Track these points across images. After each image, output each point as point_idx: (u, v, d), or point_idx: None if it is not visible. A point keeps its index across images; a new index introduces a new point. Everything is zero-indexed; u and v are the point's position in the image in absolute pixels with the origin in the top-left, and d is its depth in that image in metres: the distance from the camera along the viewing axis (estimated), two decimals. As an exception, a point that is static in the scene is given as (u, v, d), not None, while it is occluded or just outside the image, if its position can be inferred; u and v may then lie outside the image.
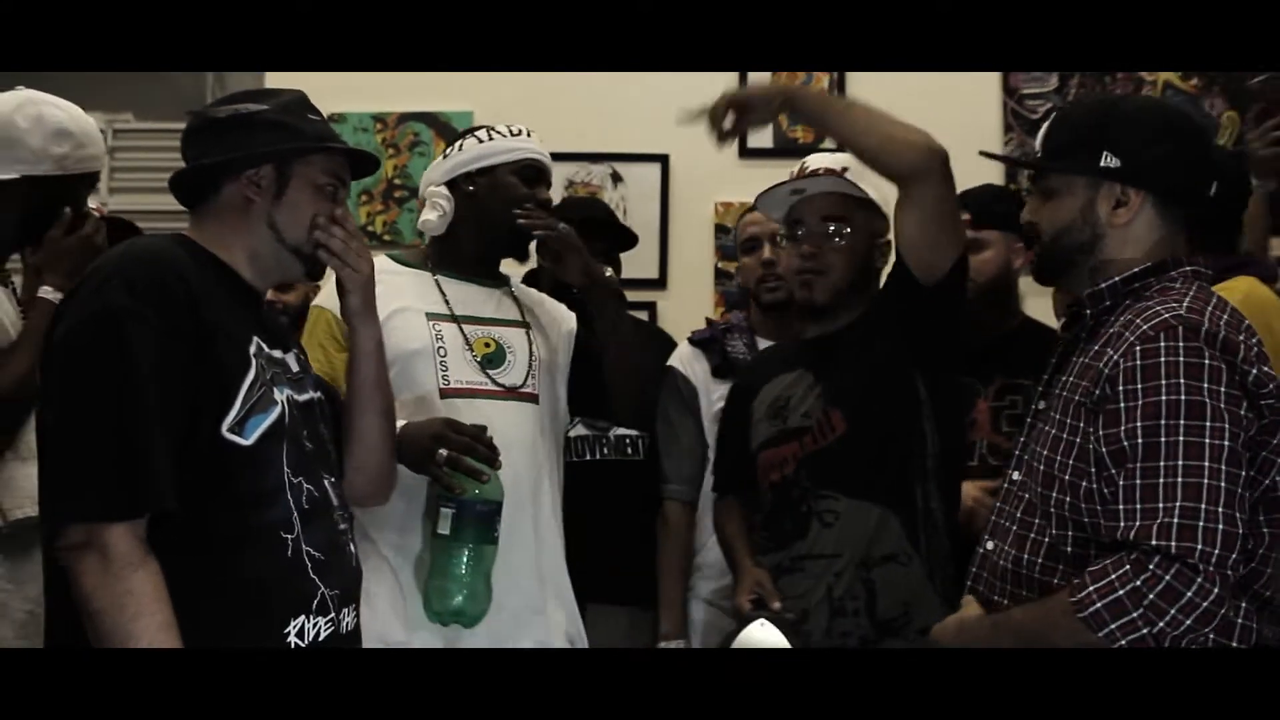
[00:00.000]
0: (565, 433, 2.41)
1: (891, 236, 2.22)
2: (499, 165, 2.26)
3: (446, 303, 2.24)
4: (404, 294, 2.21)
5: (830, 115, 2.09)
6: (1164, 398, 1.54)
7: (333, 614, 1.65)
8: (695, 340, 2.93)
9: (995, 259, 2.58)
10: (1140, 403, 1.56)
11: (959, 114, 3.94)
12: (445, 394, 2.15)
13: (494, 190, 2.26)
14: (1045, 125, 1.80)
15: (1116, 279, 1.71)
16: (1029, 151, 4.04)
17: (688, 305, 3.80)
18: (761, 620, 2.04)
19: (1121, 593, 1.50)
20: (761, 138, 4.04)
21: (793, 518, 2.14)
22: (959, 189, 2.86)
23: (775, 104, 2.08)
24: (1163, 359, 1.55)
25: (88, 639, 1.48)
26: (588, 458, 2.86)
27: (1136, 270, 1.70)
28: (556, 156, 4.22)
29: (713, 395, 2.77)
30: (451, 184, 2.28)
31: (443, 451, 1.99)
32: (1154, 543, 1.51)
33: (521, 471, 2.15)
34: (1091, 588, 1.53)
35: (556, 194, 4.25)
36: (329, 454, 1.78)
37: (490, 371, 2.19)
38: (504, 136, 2.29)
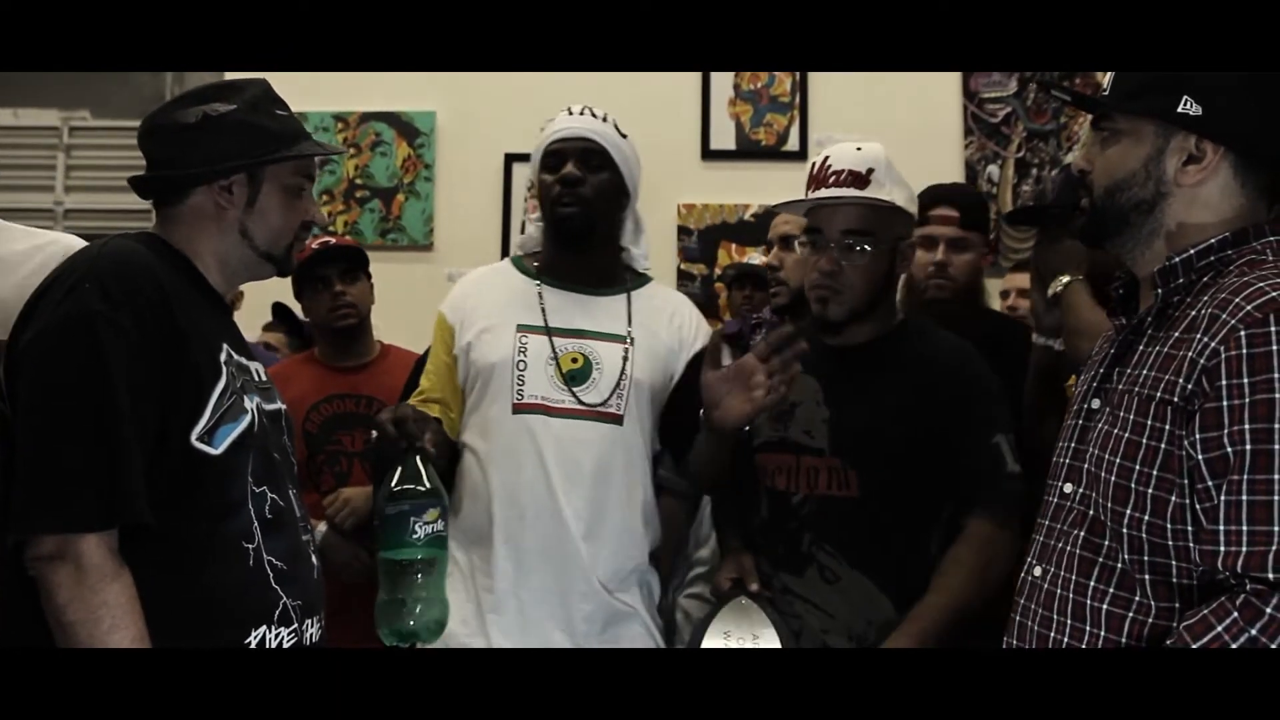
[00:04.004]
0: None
1: (914, 239, 2.17)
2: (539, 167, 2.20)
3: (543, 313, 2.16)
4: (502, 305, 2.17)
5: None
6: (1278, 395, 1.27)
7: (295, 624, 1.62)
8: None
9: (975, 260, 2.63)
10: (1248, 401, 1.28)
11: (919, 117, 3.99)
12: (518, 409, 2.09)
13: (539, 197, 2.20)
14: None
15: (1191, 251, 1.42)
16: (989, 154, 4.09)
17: (650, 306, 3.80)
18: (742, 598, 2.02)
19: (1235, 648, 1.24)
20: (724, 139, 4.06)
21: (789, 547, 2.07)
22: (919, 188, 2.89)
23: None
24: (1276, 347, 1.28)
25: (49, 644, 1.45)
26: None
27: (1214, 241, 1.42)
28: (518, 158, 4.28)
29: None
30: None
31: (372, 434, 1.94)
32: (1270, 575, 1.24)
33: (592, 491, 2.08)
34: (1195, 648, 1.26)
35: (518, 194, 4.30)
36: (293, 465, 1.76)
37: (574, 388, 2.11)
38: (540, 133, 2.23)
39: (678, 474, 2.36)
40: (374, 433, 1.92)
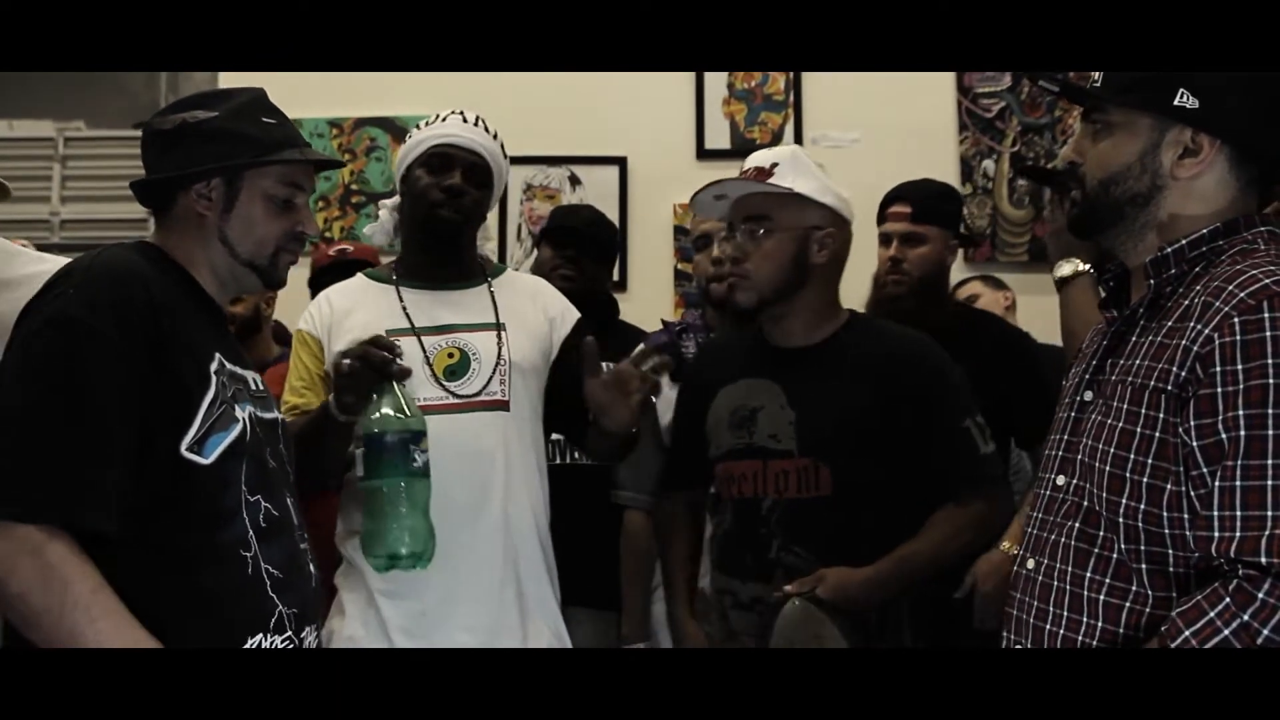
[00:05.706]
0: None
1: (833, 228, 2.20)
2: (411, 163, 2.19)
3: (407, 316, 2.16)
4: (368, 314, 2.16)
5: None
6: (1272, 380, 1.27)
7: (291, 632, 1.63)
8: (655, 346, 2.91)
9: (932, 254, 2.69)
10: (1242, 386, 1.28)
11: (914, 113, 3.98)
12: None
13: (409, 191, 2.19)
14: None
15: (1184, 242, 1.43)
16: (984, 150, 4.09)
17: (648, 307, 3.79)
18: (802, 602, 1.97)
19: (1227, 632, 1.23)
20: (719, 138, 4.06)
21: (756, 555, 2.11)
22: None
23: None
24: (1269, 333, 1.28)
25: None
26: (556, 462, 2.84)
27: (1206, 232, 1.43)
28: (515, 160, 4.25)
29: (670, 399, 2.76)
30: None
31: (345, 361, 1.89)
32: (1263, 560, 1.23)
33: (487, 481, 2.08)
34: (1187, 632, 1.26)
35: (514, 196, 4.30)
36: (289, 473, 1.75)
37: (451, 384, 2.10)
38: (419, 129, 2.22)
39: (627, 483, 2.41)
40: (346, 360, 1.89)
